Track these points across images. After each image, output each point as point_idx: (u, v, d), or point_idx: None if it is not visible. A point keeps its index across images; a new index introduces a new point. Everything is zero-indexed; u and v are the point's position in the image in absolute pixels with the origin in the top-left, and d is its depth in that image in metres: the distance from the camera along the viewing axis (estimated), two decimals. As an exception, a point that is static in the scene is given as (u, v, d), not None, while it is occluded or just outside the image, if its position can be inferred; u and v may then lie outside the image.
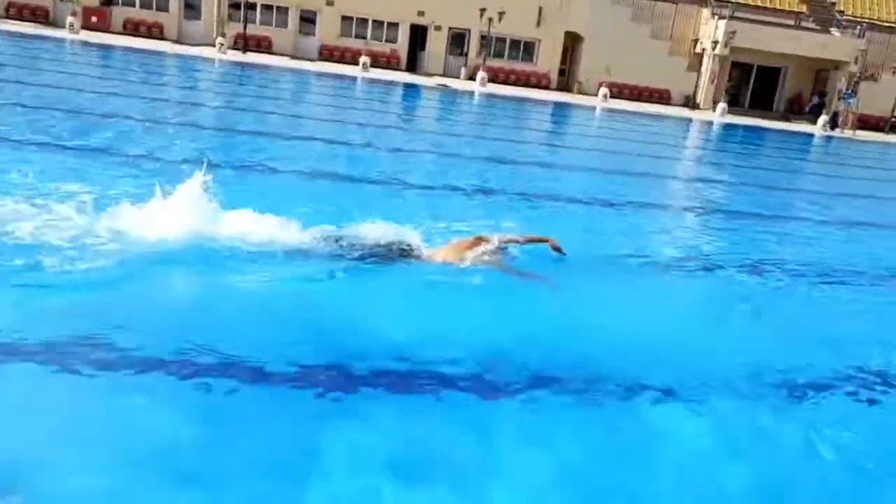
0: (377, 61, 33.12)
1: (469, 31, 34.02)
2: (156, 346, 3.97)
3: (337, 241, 5.80)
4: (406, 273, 5.58)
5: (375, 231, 6.02)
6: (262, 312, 4.72)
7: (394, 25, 33.88)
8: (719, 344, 5.31)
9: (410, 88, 27.34)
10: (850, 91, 33.62)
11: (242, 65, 27.23)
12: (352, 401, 3.76)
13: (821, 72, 37.00)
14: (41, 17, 30.89)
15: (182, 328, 4.30)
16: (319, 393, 3.75)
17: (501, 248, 5.90)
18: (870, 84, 36.89)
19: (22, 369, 3.69)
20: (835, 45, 35.76)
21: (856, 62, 35.07)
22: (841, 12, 39.47)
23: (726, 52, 34.27)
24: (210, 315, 4.68)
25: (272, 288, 5.08)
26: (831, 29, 37.70)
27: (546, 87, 34.67)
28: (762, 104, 37.74)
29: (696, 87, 33.98)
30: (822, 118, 32.26)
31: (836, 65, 35.63)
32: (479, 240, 5.90)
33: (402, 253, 5.79)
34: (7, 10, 30.88)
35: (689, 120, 30.07)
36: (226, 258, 5.30)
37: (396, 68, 33.60)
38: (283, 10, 33.12)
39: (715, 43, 33.74)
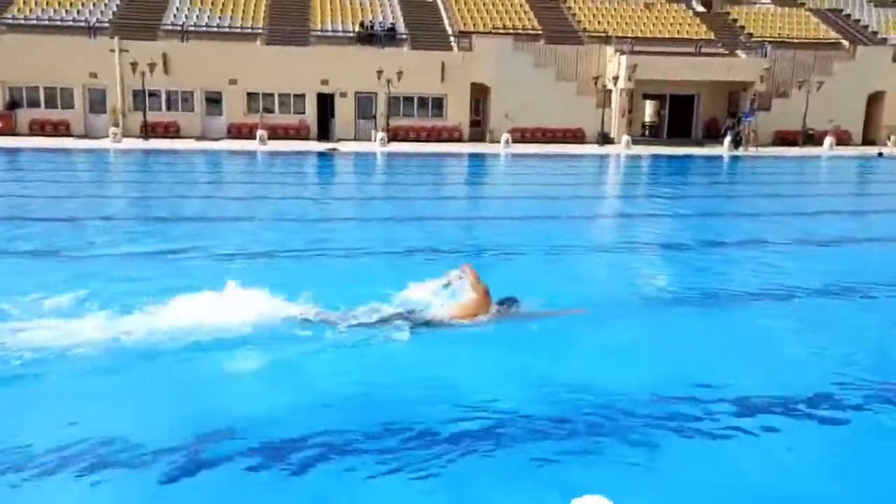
0: (287, 132, 33.39)
1: (375, 93, 34.34)
2: None
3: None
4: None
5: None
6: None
7: (300, 97, 34.20)
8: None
9: (297, 157, 27.25)
10: (748, 110, 33.81)
11: (140, 151, 27.31)
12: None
13: (733, 94, 37.29)
14: (-55, 127, 31.14)
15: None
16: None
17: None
18: (783, 100, 37.20)
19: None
20: (739, 67, 36.17)
21: (761, 81, 35.38)
22: (749, 35, 40.11)
23: (631, 85, 34.58)
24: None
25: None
26: (738, 51, 38.23)
27: (459, 140, 34.82)
28: (681, 132, 37.88)
29: (603, 122, 34.12)
30: (727, 139, 32.33)
31: (745, 86, 35.92)
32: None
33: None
34: (-88, 124, 31.18)
35: (594, 156, 30.06)
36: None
37: (307, 138, 33.77)
38: (187, 94, 33.48)
39: (617, 78, 34.07)
